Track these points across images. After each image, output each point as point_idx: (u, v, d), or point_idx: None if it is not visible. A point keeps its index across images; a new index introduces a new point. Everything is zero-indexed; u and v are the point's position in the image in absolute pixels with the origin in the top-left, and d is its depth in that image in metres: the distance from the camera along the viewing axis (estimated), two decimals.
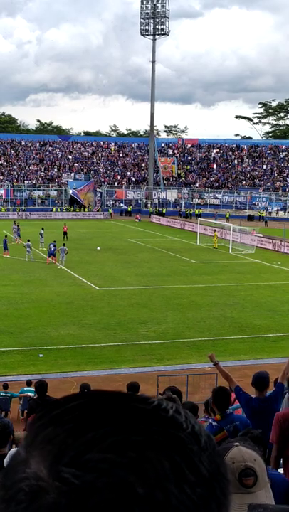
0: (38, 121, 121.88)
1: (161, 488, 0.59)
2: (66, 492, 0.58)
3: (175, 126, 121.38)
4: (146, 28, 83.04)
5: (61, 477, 0.58)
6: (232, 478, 2.03)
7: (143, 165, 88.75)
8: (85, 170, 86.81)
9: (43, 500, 0.58)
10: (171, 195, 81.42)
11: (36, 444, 0.62)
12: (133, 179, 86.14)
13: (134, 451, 0.60)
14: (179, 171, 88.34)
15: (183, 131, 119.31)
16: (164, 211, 74.21)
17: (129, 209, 76.86)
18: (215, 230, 48.84)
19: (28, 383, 14.91)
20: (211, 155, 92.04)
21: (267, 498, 2.06)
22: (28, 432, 0.65)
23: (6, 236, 43.41)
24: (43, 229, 45.36)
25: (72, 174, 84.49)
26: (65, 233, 47.44)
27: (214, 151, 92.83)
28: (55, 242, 38.48)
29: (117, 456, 0.59)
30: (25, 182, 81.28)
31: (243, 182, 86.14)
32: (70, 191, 75.92)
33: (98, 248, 43.25)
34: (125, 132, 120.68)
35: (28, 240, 38.82)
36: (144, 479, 0.59)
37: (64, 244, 38.77)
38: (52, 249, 37.58)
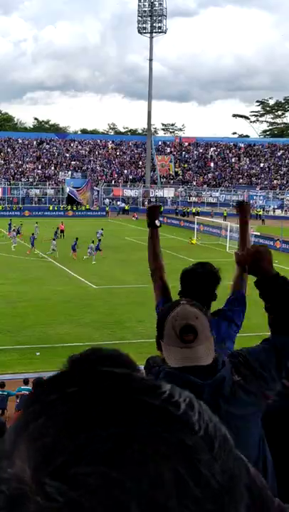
0: (36, 119, 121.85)
1: (161, 509, 0.51)
2: (47, 509, 0.50)
3: (172, 125, 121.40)
4: (144, 25, 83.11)
5: (44, 491, 0.51)
6: (173, 334, 2.21)
7: (140, 163, 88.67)
8: (82, 168, 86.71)
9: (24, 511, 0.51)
10: (169, 193, 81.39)
11: (24, 436, 0.56)
12: (130, 177, 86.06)
13: (131, 463, 0.51)
14: (176, 169, 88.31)
15: (180, 130, 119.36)
16: (161, 209, 74.07)
17: (126, 207, 76.77)
18: (191, 238, 48.24)
19: (25, 382, 14.87)
20: (208, 153, 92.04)
21: (205, 352, 2.23)
22: (19, 417, 0.59)
23: (33, 234, 42.55)
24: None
25: (70, 172, 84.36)
26: (62, 231, 47.33)
27: (211, 149, 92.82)
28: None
29: (110, 470, 0.51)
30: (22, 180, 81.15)
31: (240, 180, 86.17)
32: (67, 189, 75.75)
33: None
34: (123, 130, 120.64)
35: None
36: (141, 499, 0.50)
37: (54, 239, 39.89)
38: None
